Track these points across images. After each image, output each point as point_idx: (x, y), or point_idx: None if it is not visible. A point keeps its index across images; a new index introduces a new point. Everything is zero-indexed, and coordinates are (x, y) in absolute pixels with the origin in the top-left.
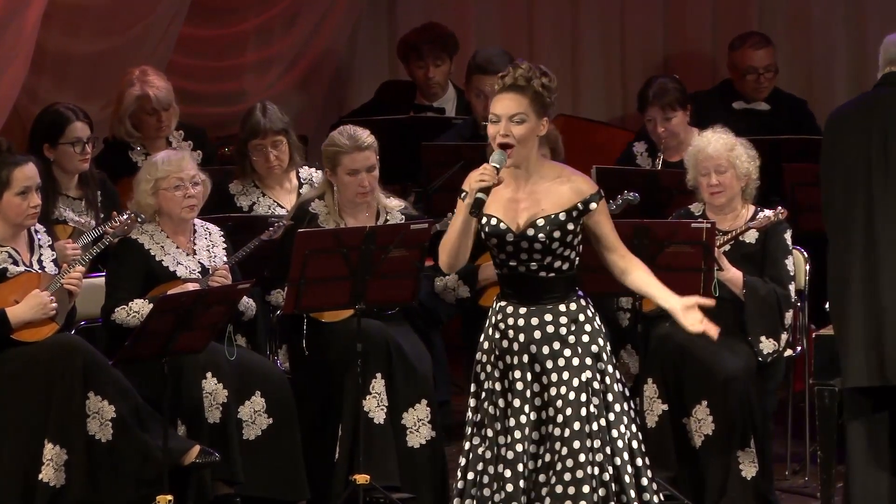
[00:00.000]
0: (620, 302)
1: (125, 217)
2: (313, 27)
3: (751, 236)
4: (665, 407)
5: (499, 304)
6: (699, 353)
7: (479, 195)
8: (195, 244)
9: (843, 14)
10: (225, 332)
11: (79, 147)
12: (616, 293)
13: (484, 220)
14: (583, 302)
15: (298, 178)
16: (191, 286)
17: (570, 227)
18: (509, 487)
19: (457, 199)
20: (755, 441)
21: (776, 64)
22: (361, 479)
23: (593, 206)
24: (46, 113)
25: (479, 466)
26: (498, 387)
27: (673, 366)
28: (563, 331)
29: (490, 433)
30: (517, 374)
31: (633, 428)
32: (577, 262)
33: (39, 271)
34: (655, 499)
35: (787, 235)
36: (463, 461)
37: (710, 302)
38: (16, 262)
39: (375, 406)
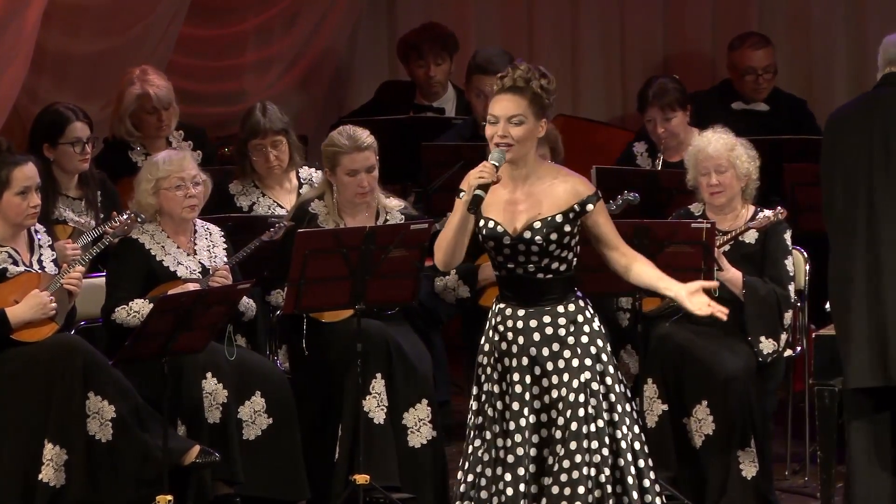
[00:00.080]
0: (620, 302)
1: (125, 217)
2: (313, 27)
3: (751, 236)
4: (665, 407)
5: (498, 307)
6: (699, 353)
7: (478, 192)
8: (196, 244)
9: (843, 14)
10: (225, 332)
11: (78, 147)
12: (616, 293)
13: (481, 222)
14: (581, 303)
15: (298, 178)
16: (191, 286)
17: (567, 228)
18: (509, 491)
19: (456, 199)
20: (755, 441)
21: (775, 64)
22: (361, 479)
23: (590, 207)
24: (46, 113)
25: (478, 468)
26: (496, 389)
27: (673, 366)
28: (563, 332)
29: (489, 435)
30: (516, 376)
31: (636, 429)
32: (574, 264)
33: (39, 271)
34: (658, 500)
35: (787, 235)
36: (466, 464)
37: (713, 284)
38: (16, 262)
39: (375, 406)
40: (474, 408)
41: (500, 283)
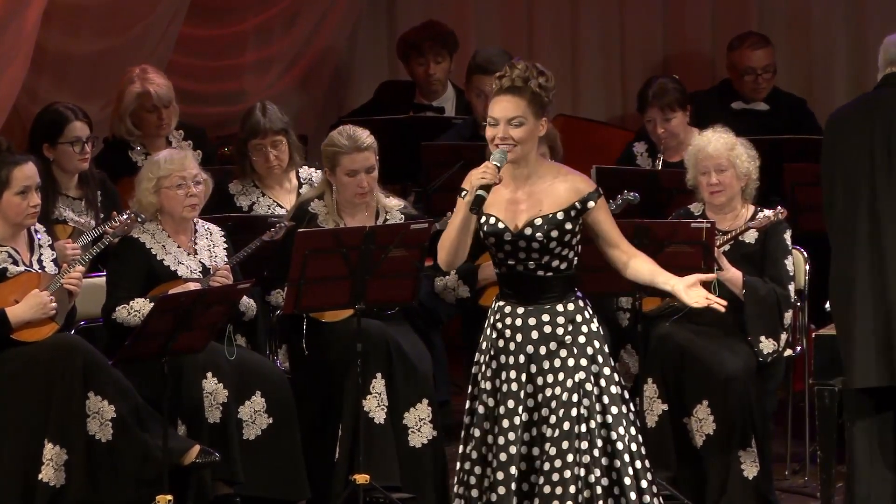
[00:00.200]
0: (620, 302)
1: (125, 217)
2: (313, 27)
3: (750, 236)
4: (665, 407)
5: (497, 304)
6: (699, 353)
7: (480, 192)
8: (196, 244)
9: (843, 14)
10: (225, 331)
11: (78, 147)
12: (616, 293)
13: (483, 219)
14: (581, 303)
15: (298, 177)
16: (192, 286)
17: (568, 226)
18: (501, 490)
19: (456, 198)
20: (756, 441)
21: (775, 64)
22: (361, 479)
23: (591, 204)
24: (46, 112)
25: (467, 466)
26: (489, 386)
27: (673, 366)
28: (560, 331)
29: (478, 433)
30: (512, 374)
31: (633, 430)
32: (575, 262)
33: (39, 271)
34: (656, 501)
35: (787, 235)
36: (467, 464)
37: (711, 277)
38: (16, 262)
39: (375, 406)
40: (468, 406)
41: (500, 280)
